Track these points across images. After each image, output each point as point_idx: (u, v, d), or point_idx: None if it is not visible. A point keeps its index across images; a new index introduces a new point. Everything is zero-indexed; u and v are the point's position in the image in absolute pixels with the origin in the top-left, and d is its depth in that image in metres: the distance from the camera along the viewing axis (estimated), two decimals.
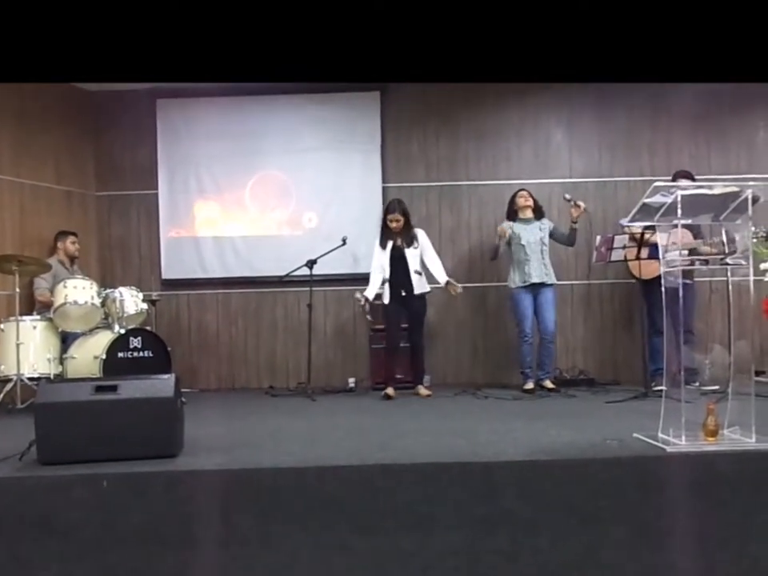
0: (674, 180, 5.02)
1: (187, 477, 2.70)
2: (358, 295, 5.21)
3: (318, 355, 5.96)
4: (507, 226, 5.41)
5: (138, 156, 6.22)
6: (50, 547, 2.56)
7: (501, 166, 6.20)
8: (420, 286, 5.18)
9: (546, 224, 5.44)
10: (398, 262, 5.16)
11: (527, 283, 5.32)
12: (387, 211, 5.21)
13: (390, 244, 5.18)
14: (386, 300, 5.21)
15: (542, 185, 5.62)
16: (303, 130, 6.15)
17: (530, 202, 5.42)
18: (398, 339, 5.30)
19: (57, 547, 2.56)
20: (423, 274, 5.22)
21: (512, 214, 5.49)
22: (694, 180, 4.96)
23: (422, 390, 5.20)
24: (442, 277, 5.21)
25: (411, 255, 5.17)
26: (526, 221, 5.42)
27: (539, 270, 5.32)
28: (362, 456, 2.91)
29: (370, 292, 5.19)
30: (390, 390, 5.15)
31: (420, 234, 5.27)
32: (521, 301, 5.36)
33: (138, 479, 2.66)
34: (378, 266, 5.21)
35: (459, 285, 5.19)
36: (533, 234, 5.36)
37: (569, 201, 5.24)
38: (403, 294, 5.16)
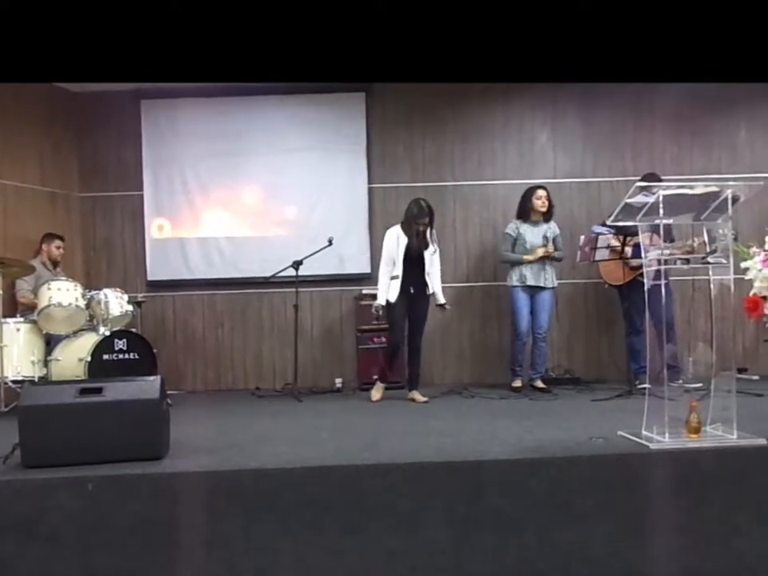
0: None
1: (173, 479, 2.70)
2: (376, 305, 5.00)
3: (305, 356, 5.96)
4: (514, 227, 5.40)
5: (122, 157, 6.18)
6: (35, 551, 2.54)
7: (486, 167, 6.22)
8: (429, 286, 5.02)
9: (553, 228, 5.43)
10: (414, 262, 4.96)
11: (524, 284, 5.33)
12: (417, 215, 4.90)
13: (406, 241, 4.95)
14: (393, 298, 4.94)
15: (526, 185, 5.64)
16: (288, 131, 6.14)
17: (546, 207, 5.36)
18: (404, 338, 5.07)
19: (42, 551, 2.54)
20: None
21: (523, 213, 5.44)
22: (660, 181, 4.99)
23: (418, 396, 4.95)
24: (440, 298, 5.05)
25: (428, 256, 4.99)
26: (535, 222, 5.41)
27: (538, 273, 5.33)
28: (349, 456, 2.92)
29: (383, 298, 4.97)
30: (377, 393, 5.05)
31: (434, 235, 5.09)
32: (518, 299, 5.36)
33: (123, 482, 2.65)
34: (390, 261, 4.98)
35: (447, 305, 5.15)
36: (538, 237, 5.36)
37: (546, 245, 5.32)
38: (412, 291, 4.95)
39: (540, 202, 5.35)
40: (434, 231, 5.09)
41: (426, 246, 5.01)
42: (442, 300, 5.09)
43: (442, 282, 5.17)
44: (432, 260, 5.05)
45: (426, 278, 5.00)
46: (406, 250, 4.96)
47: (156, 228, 6.17)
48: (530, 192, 5.43)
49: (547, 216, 5.42)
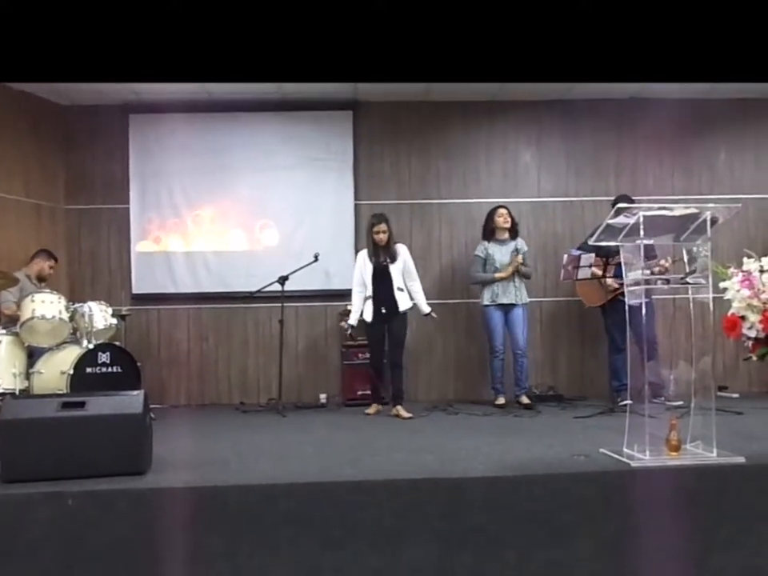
0: (615, 204, 5.06)
1: (155, 495, 2.68)
2: (344, 324, 5.23)
3: (290, 371, 5.95)
4: (483, 248, 5.49)
5: (109, 170, 6.17)
6: (14, 566, 2.52)
7: (471, 185, 6.28)
8: (403, 302, 5.08)
9: (521, 244, 5.50)
10: (381, 279, 5.07)
11: (495, 302, 5.41)
12: (373, 224, 5.12)
13: (372, 260, 5.09)
14: (369, 318, 5.08)
15: (510, 204, 5.70)
16: (276, 147, 6.17)
17: (509, 224, 5.47)
18: (382, 357, 5.21)
19: (21, 566, 2.52)
20: (405, 290, 5.12)
21: (488, 233, 5.54)
22: (632, 202, 5.05)
23: (403, 413, 4.98)
24: (424, 308, 5.15)
25: (395, 271, 5.08)
26: (502, 241, 5.49)
27: (510, 290, 5.39)
28: (332, 472, 2.92)
29: (354, 318, 5.12)
30: (372, 409, 5.17)
31: (402, 249, 5.19)
32: (491, 318, 5.43)
33: (104, 497, 2.63)
34: (360, 282, 5.12)
35: (434, 314, 5.20)
36: (506, 255, 5.43)
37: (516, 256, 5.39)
38: (383, 311, 5.04)
39: (502, 219, 5.45)
40: (402, 245, 5.22)
41: (393, 259, 5.09)
42: (426, 309, 5.16)
43: (427, 299, 5.22)
44: (402, 274, 5.12)
45: (395, 294, 5.06)
46: (373, 269, 5.08)
47: (141, 241, 6.16)
48: (491, 212, 5.55)
49: (512, 234, 5.52)
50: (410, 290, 5.16)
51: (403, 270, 5.13)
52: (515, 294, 5.40)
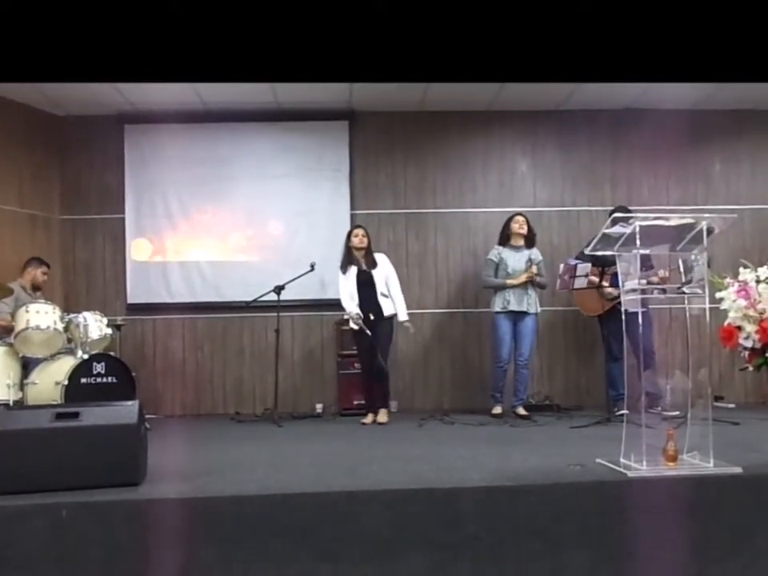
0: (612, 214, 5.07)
1: (150, 506, 2.66)
2: (353, 315, 5.10)
3: (285, 381, 5.94)
4: (496, 252, 5.49)
5: (104, 180, 6.18)
6: None
7: (467, 195, 6.30)
8: (387, 308, 5.16)
9: (536, 254, 5.48)
10: (366, 286, 5.14)
11: (507, 309, 5.38)
12: (350, 231, 5.31)
13: (354, 269, 5.18)
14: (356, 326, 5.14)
15: (506, 213, 5.72)
16: (272, 157, 6.18)
17: (525, 230, 5.46)
18: (371, 364, 5.20)
19: None
20: (389, 296, 5.20)
21: (504, 239, 5.53)
22: (629, 212, 5.07)
23: (382, 417, 5.08)
24: (402, 315, 5.19)
25: (378, 277, 5.17)
26: (517, 248, 5.48)
27: (521, 298, 5.36)
28: (328, 483, 2.90)
29: (353, 308, 5.12)
30: (368, 419, 5.16)
31: (382, 258, 5.29)
32: (500, 326, 5.41)
33: (98, 508, 2.61)
34: (347, 294, 5.18)
35: (413, 327, 5.26)
36: (519, 263, 5.41)
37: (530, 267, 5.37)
38: (371, 317, 5.09)
39: (517, 225, 5.45)
40: (381, 254, 5.32)
41: (374, 265, 5.19)
42: (402, 317, 5.19)
43: (423, 308, 5.24)
44: (385, 282, 5.21)
45: (379, 299, 5.14)
46: (357, 276, 5.16)
47: (137, 251, 6.15)
48: (509, 218, 5.56)
49: (529, 242, 5.51)
50: (393, 295, 5.22)
51: (386, 279, 5.21)
52: (527, 302, 5.37)
